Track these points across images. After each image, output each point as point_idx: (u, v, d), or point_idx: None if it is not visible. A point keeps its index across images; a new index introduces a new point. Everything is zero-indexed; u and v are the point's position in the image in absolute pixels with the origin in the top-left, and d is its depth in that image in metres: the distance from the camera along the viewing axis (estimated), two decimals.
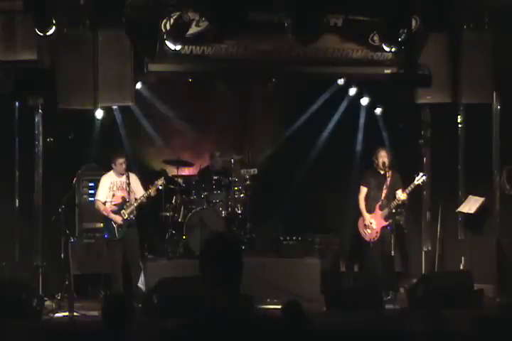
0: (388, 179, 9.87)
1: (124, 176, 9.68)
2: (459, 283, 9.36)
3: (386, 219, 9.88)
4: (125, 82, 9.25)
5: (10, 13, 8.85)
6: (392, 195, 9.87)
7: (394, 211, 9.93)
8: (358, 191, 10.07)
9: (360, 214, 10.01)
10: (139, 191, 9.74)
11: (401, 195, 9.76)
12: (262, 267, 10.28)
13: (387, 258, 9.96)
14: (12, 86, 9.54)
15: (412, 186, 9.80)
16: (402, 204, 9.97)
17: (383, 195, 9.89)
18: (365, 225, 9.90)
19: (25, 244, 9.96)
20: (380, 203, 9.88)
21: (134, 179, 9.79)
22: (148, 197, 9.66)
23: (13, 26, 8.87)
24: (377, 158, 9.89)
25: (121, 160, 9.63)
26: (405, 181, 9.93)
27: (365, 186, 10.01)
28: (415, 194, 10.11)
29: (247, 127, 12.41)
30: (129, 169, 9.79)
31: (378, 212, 9.88)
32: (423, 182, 9.97)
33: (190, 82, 11.43)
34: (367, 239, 9.90)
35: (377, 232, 9.86)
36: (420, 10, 9.16)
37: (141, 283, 9.77)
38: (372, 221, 9.87)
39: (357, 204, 10.04)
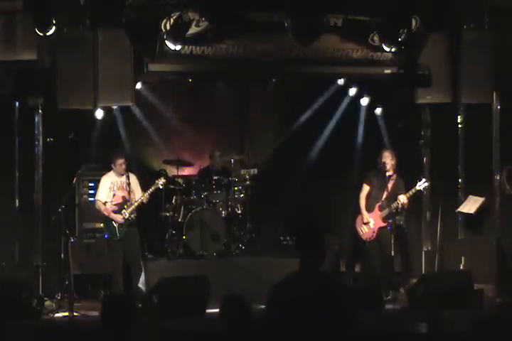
0: (391, 181, 9.88)
1: (124, 176, 9.69)
2: (459, 283, 9.34)
3: (384, 220, 9.88)
4: (125, 82, 9.25)
5: (10, 13, 8.84)
6: (393, 197, 9.86)
7: (394, 212, 9.94)
8: (359, 189, 10.07)
9: (359, 212, 10.02)
10: (137, 192, 9.75)
11: (401, 199, 9.76)
12: (262, 267, 10.28)
13: (386, 258, 9.96)
14: (12, 86, 9.56)
15: (413, 191, 9.81)
16: (402, 207, 9.95)
17: (384, 195, 9.89)
18: (363, 223, 9.90)
19: (25, 244, 9.96)
20: (379, 203, 9.88)
21: (134, 180, 9.81)
22: (143, 203, 9.68)
23: (13, 26, 8.86)
24: (381, 159, 9.89)
25: (120, 161, 9.64)
26: (406, 183, 9.93)
27: (367, 185, 10.01)
28: (415, 194, 10.10)
29: (247, 127, 12.42)
30: (129, 169, 9.80)
31: (377, 213, 9.89)
32: (425, 188, 9.98)
33: (190, 82, 11.44)
34: (363, 237, 9.91)
35: (373, 232, 9.87)
36: (420, 10, 9.16)
37: (141, 283, 9.78)
38: (371, 220, 9.88)
39: (357, 202, 10.03)
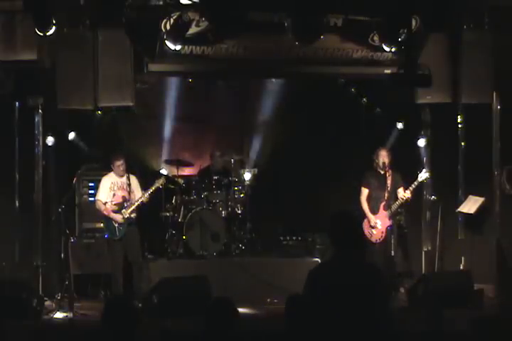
0: (389, 179, 9.87)
1: (125, 177, 9.70)
2: (459, 283, 9.34)
3: (390, 218, 9.87)
4: (125, 82, 9.25)
5: (10, 13, 8.85)
6: (394, 194, 9.87)
7: (399, 208, 9.94)
8: (359, 193, 10.06)
9: (363, 216, 9.94)
10: (137, 194, 9.75)
11: (405, 194, 9.76)
12: (262, 267, 10.29)
13: (388, 258, 9.95)
14: (12, 86, 9.56)
15: (415, 183, 9.80)
16: (405, 203, 9.95)
17: (386, 195, 9.87)
18: (370, 226, 9.86)
19: (25, 244, 9.96)
20: (383, 203, 9.86)
21: (134, 181, 9.81)
22: (143, 203, 9.68)
23: (13, 26, 8.86)
24: (377, 158, 9.89)
25: (118, 163, 9.64)
26: (407, 180, 9.93)
27: (366, 187, 9.99)
28: (415, 194, 10.10)
29: (247, 127, 12.42)
30: (129, 171, 9.79)
31: (383, 212, 9.86)
32: (426, 178, 9.98)
33: (190, 82, 11.44)
34: (373, 240, 9.84)
35: (382, 232, 9.83)
36: (420, 10, 9.15)
37: (143, 283, 9.78)
38: (378, 221, 9.85)
39: (359, 206, 10.00)
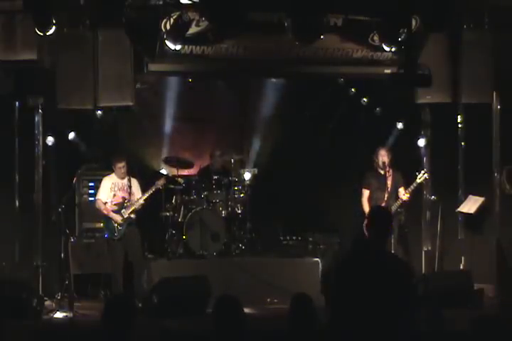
0: (389, 178, 9.88)
1: (126, 179, 9.71)
2: (459, 283, 9.36)
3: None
4: (125, 82, 9.26)
5: (10, 13, 8.85)
6: (394, 194, 9.87)
7: (399, 209, 9.95)
8: (359, 193, 10.05)
9: (364, 216, 9.91)
10: (138, 196, 9.75)
11: (404, 195, 9.76)
12: (262, 267, 10.29)
13: None
14: (12, 86, 9.57)
15: (414, 185, 9.81)
16: (405, 203, 9.95)
17: (386, 195, 9.88)
18: None
19: (25, 244, 9.96)
20: (383, 204, 9.84)
21: (135, 183, 9.81)
22: (143, 203, 9.68)
23: (13, 26, 8.86)
24: (377, 157, 9.90)
25: (120, 165, 9.65)
26: (406, 181, 9.94)
27: (366, 188, 10.00)
28: (415, 194, 10.10)
29: (247, 127, 12.42)
30: (130, 174, 9.79)
31: None
32: (425, 179, 9.98)
33: (190, 82, 11.44)
34: None
35: None
36: (420, 10, 9.15)
37: (143, 282, 9.79)
38: None
39: (360, 207, 9.99)
